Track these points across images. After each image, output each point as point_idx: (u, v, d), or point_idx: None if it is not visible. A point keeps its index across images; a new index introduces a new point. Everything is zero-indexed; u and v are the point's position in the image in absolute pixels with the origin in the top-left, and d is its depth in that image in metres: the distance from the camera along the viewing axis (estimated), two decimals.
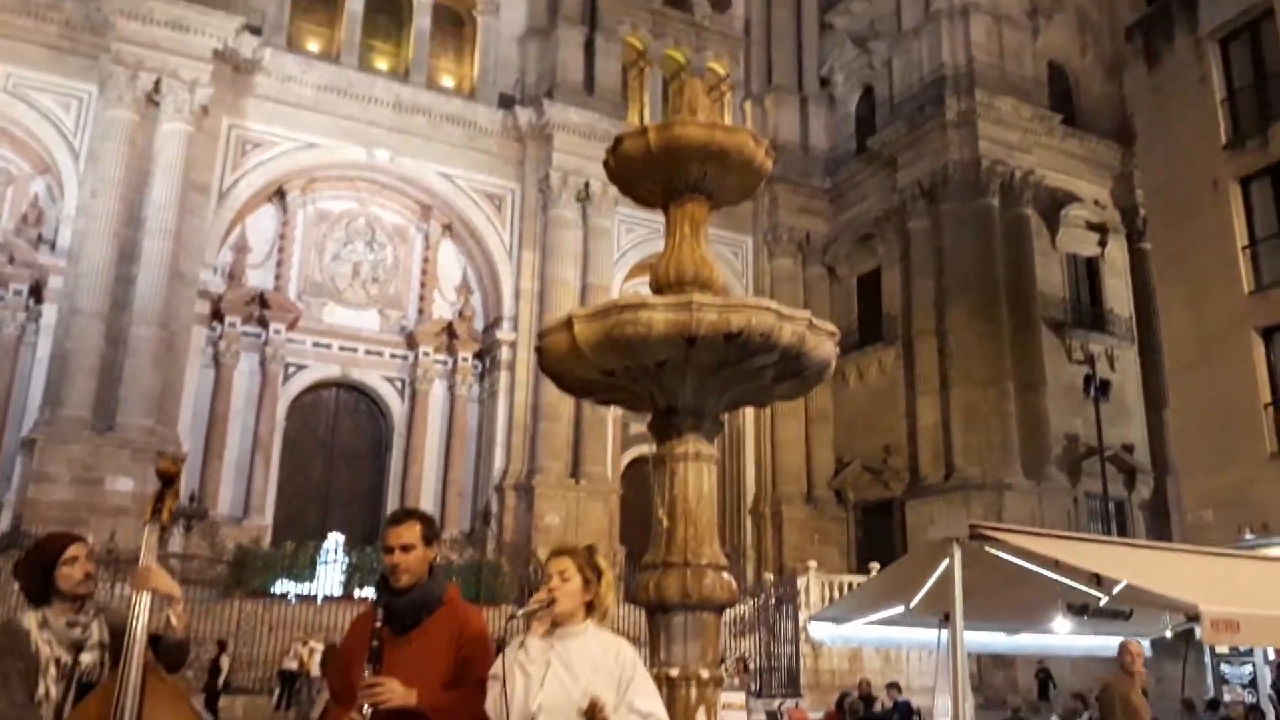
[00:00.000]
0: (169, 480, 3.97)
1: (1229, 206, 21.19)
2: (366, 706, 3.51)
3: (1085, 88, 34.26)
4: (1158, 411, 29.36)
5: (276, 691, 18.44)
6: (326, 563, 24.49)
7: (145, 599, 3.64)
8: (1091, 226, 31.97)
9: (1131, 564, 6.20)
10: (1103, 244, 31.96)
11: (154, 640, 3.69)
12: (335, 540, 25.20)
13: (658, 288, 5.47)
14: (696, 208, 5.61)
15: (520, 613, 3.55)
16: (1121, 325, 31.32)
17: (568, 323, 5.02)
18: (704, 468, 4.95)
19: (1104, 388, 25.95)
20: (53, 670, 3.60)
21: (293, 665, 18.43)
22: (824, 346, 5.00)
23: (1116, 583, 5.48)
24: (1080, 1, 34.82)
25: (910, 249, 31.73)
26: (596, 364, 5.01)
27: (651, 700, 3.41)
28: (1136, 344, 31.05)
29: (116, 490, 23.45)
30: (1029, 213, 30.58)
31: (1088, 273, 31.93)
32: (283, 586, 23.49)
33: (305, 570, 24.21)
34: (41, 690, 3.55)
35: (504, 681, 3.45)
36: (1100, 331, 30.80)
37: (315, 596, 23.21)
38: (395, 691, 3.53)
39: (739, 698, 15.46)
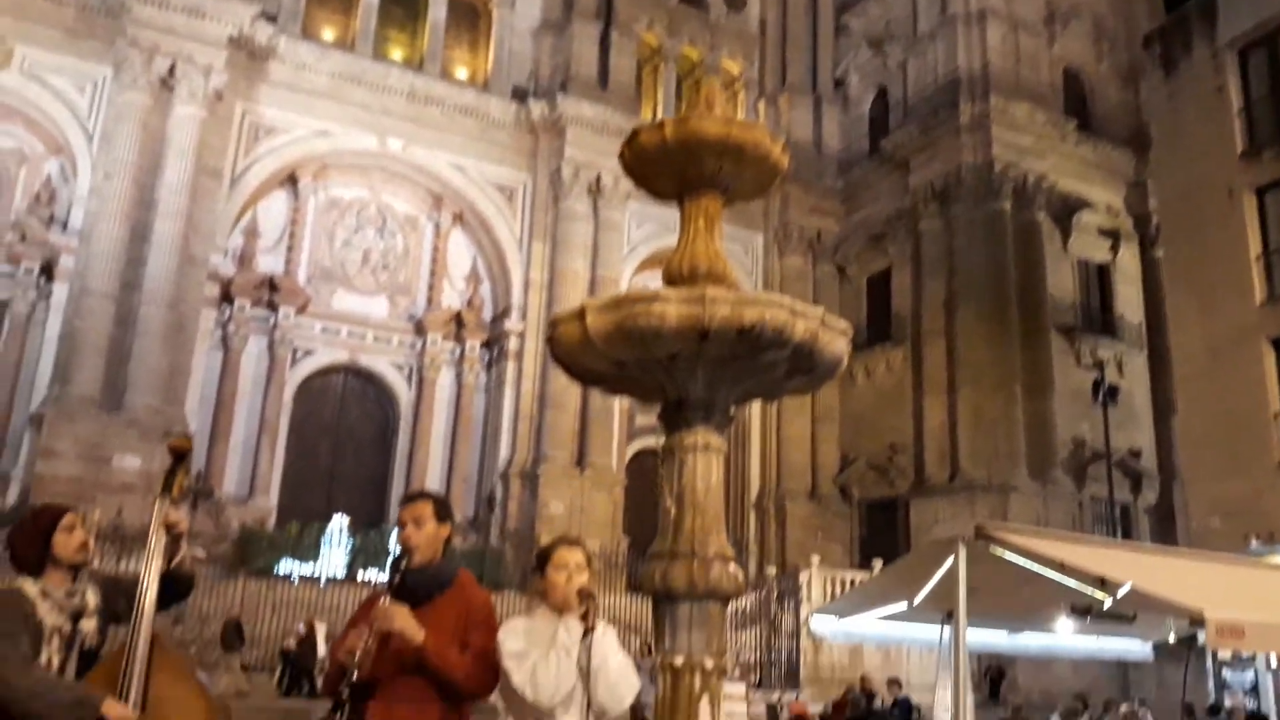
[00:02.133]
0: (180, 456, 4.01)
1: (1243, 216, 21.14)
2: (373, 630, 3.59)
3: (1100, 94, 34.11)
4: (1166, 418, 29.26)
5: (279, 670, 18.57)
6: (331, 545, 24.61)
7: (154, 573, 3.69)
8: (1104, 233, 31.85)
9: (1137, 567, 6.22)
10: (1114, 250, 31.84)
11: (165, 576, 3.75)
12: (340, 522, 25.31)
13: (670, 281, 5.46)
14: (711, 202, 5.58)
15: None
16: (1131, 331, 31.23)
17: (580, 313, 5.01)
18: (713, 459, 4.95)
19: (1112, 393, 25.91)
20: (55, 640, 3.64)
21: (291, 644, 18.56)
22: (836, 344, 4.99)
23: (1121, 585, 5.49)
24: (1097, 9, 34.66)
25: (921, 250, 31.68)
26: (608, 355, 5.00)
27: None
28: (1146, 350, 30.94)
29: (124, 468, 23.57)
30: (1041, 217, 30.48)
31: (1099, 278, 31.82)
32: (286, 567, 23.64)
33: (310, 551, 24.35)
34: (44, 658, 3.59)
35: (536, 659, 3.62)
36: (1110, 337, 30.72)
37: (319, 578, 23.34)
38: (407, 620, 3.60)
39: (740, 689, 15.65)
